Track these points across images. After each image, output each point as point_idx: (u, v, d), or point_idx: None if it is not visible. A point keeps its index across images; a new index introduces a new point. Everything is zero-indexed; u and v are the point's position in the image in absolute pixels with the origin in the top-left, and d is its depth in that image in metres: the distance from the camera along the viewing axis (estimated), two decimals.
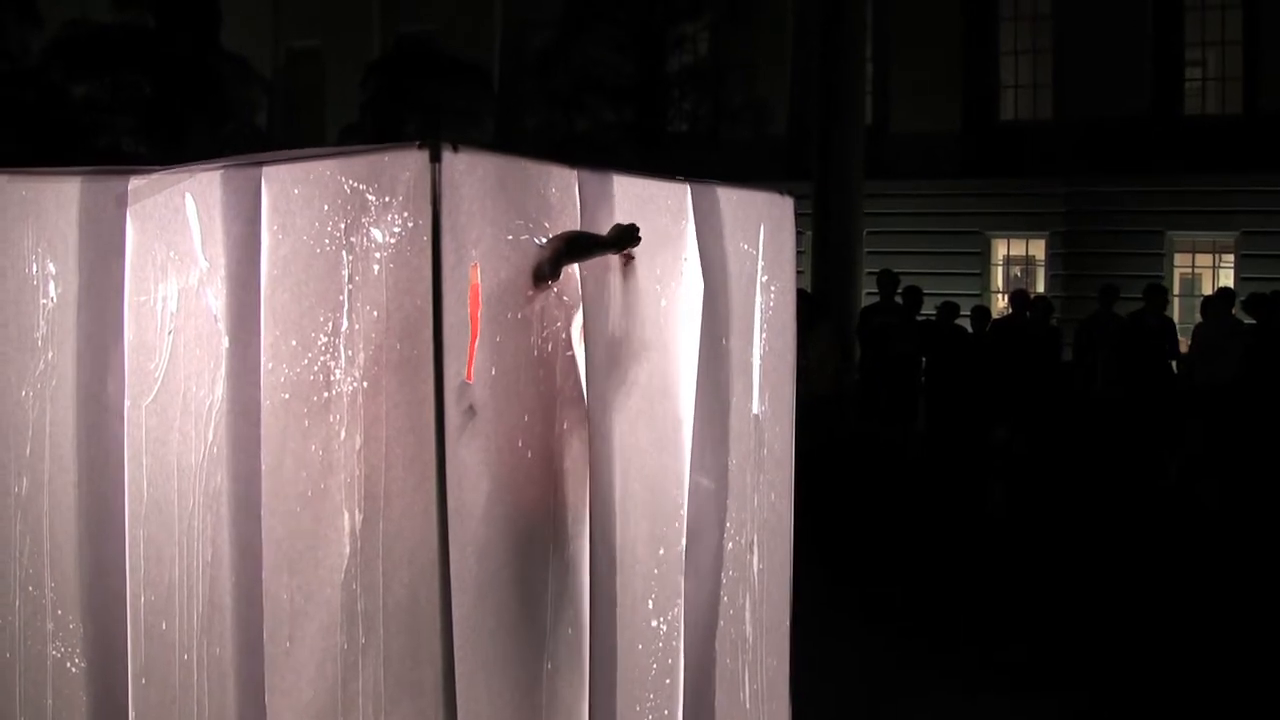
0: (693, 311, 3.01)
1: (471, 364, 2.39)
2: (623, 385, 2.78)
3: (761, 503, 3.25)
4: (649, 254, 2.87)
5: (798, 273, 3.62)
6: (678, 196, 3.00)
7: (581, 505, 2.65)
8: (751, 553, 3.20)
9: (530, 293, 2.52)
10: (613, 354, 2.73)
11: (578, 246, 2.60)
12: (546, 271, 2.54)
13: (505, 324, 2.48)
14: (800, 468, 3.41)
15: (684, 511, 2.98)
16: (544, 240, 2.54)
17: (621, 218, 2.77)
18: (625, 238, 2.68)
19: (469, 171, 2.36)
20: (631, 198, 2.83)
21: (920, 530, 7.12)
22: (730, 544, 3.11)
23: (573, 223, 2.66)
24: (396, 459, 2.35)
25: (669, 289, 2.96)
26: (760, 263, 3.31)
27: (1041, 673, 5.06)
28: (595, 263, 2.67)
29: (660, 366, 2.93)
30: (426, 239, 2.28)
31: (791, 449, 3.39)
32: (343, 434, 2.39)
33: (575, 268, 2.65)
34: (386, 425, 2.35)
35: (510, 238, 2.47)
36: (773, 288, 3.35)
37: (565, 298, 2.63)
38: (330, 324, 2.40)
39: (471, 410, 2.37)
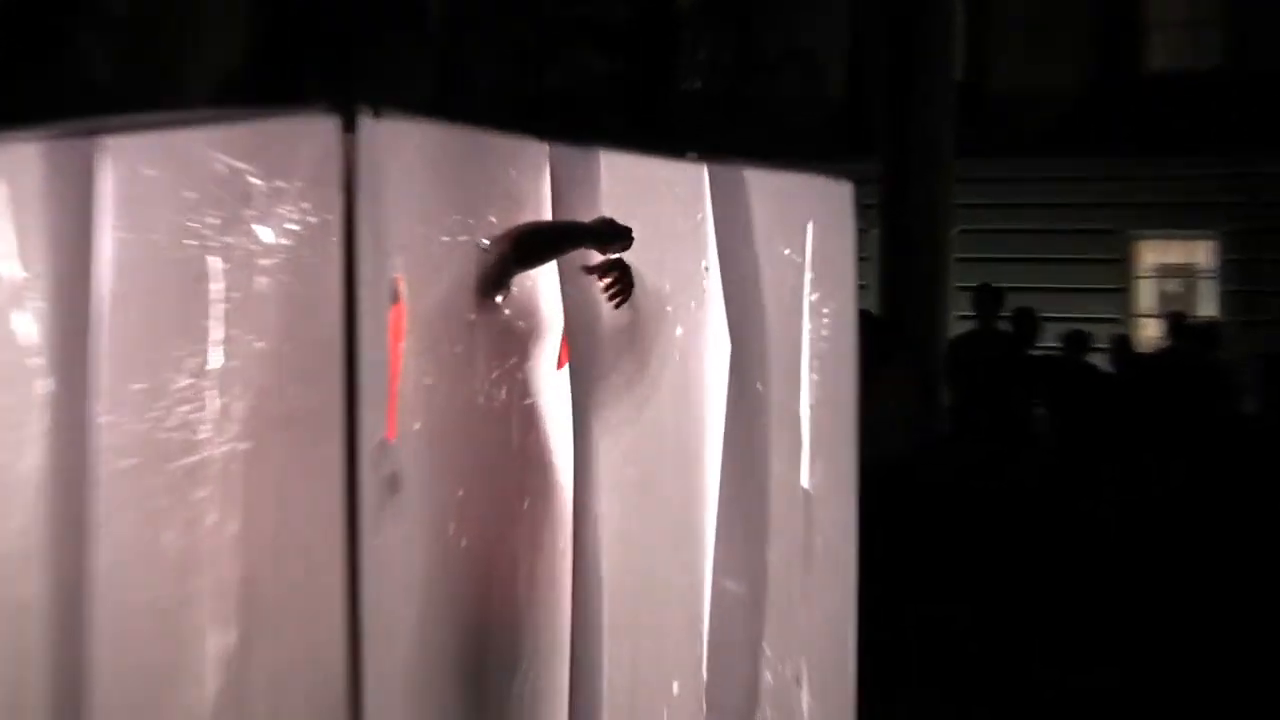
0: (715, 344, 3.04)
1: (394, 416, 2.40)
2: (615, 448, 2.78)
3: (813, 616, 3.26)
4: (653, 263, 2.88)
5: (859, 288, 3.67)
6: (691, 182, 3.02)
7: (556, 620, 2.65)
8: (799, 686, 3.21)
9: (472, 316, 2.54)
10: (601, 403, 2.74)
11: (536, 244, 2.61)
12: (492, 282, 2.56)
13: (441, 360, 2.49)
14: (866, 561, 3.44)
15: (703, 629, 2.98)
16: (491, 238, 2.57)
17: (611, 211, 2.78)
18: (610, 233, 2.69)
19: (396, 146, 2.37)
20: (625, 183, 2.85)
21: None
22: (769, 675, 3.12)
23: (540, 216, 2.69)
24: (289, 553, 2.35)
25: (682, 312, 2.98)
26: (808, 275, 3.33)
27: None
28: (576, 272, 2.69)
29: (669, 423, 2.95)
30: (336, 240, 2.29)
31: (854, 538, 3.41)
32: (211, 517, 2.39)
33: (543, 281, 2.66)
34: (275, 504, 2.36)
35: (447, 239, 2.50)
36: (825, 310, 3.38)
37: (522, 322, 2.65)
38: (195, 360, 2.41)
39: (395, 482, 2.37)
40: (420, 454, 2.45)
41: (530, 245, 2.60)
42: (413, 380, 2.44)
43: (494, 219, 2.59)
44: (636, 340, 2.86)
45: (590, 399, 2.72)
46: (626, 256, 2.79)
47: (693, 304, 3.03)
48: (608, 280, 2.72)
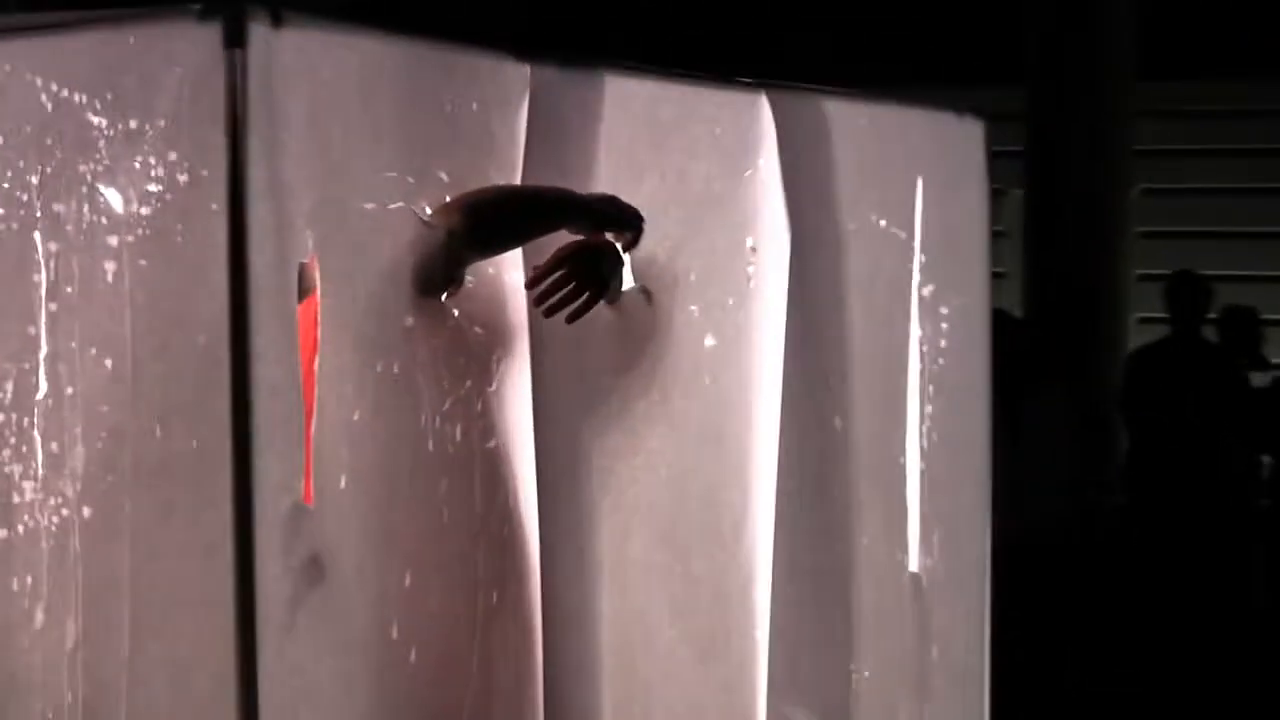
0: (766, 361, 3.04)
1: (309, 469, 2.42)
2: (614, 516, 2.81)
3: None
4: (669, 241, 2.90)
5: (994, 276, 3.68)
6: (742, 118, 3.03)
7: None
8: None
9: (409, 320, 2.55)
10: (589, 451, 2.78)
11: (502, 219, 2.62)
12: (437, 272, 2.57)
13: (372, 384, 2.51)
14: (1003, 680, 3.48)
15: None
16: (436, 207, 2.57)
17: (617, 165, 2.81)
18: (612, 216, 2.72)
19: (304, 66, 2.39)
20: (641, 122, 2.87)
21: None
22: None
23: (511, 173, 2.69)
24: (155, 675, 2.37)
25: (714, 314, 2.99)
26: (917, 258, 3.36)
27: None
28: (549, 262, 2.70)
29: (696, 477, 2.96)
30: (217, 208, 2.31)
31: (985, 646, 3.44)
32: (38, 617, 2.42)
33: (508, 272, 2.68)
34: (133, 601, 2.38)
35: (373, 206, 2.50)
36: (944, 310, 3.40)
37: (479, 329, 2.66)
38: (9, 385, 2.43)
39: (316, 566, 2.39)
40: (348, 524, 2.46)
41: (493, 221, 2.61)
42: (334, 414, 2.45)
43: (445, 175, 2.60)
44: (641, 356, 2.88)
45: (573, 444, 2.75)
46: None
47: (730, 301, 3.03)
48: (553, 279, 2.68)
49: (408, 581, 2.54)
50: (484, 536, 2.65)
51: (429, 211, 2.57)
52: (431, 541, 2.59)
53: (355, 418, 2.49)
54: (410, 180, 2.55)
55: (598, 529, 2.81)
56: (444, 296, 2.60)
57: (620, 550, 2.84)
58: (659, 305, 2.92)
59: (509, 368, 2.70)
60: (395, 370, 2.54)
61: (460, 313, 2.63)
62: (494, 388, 2.68)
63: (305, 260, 2.41)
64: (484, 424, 2.65)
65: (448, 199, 2.60)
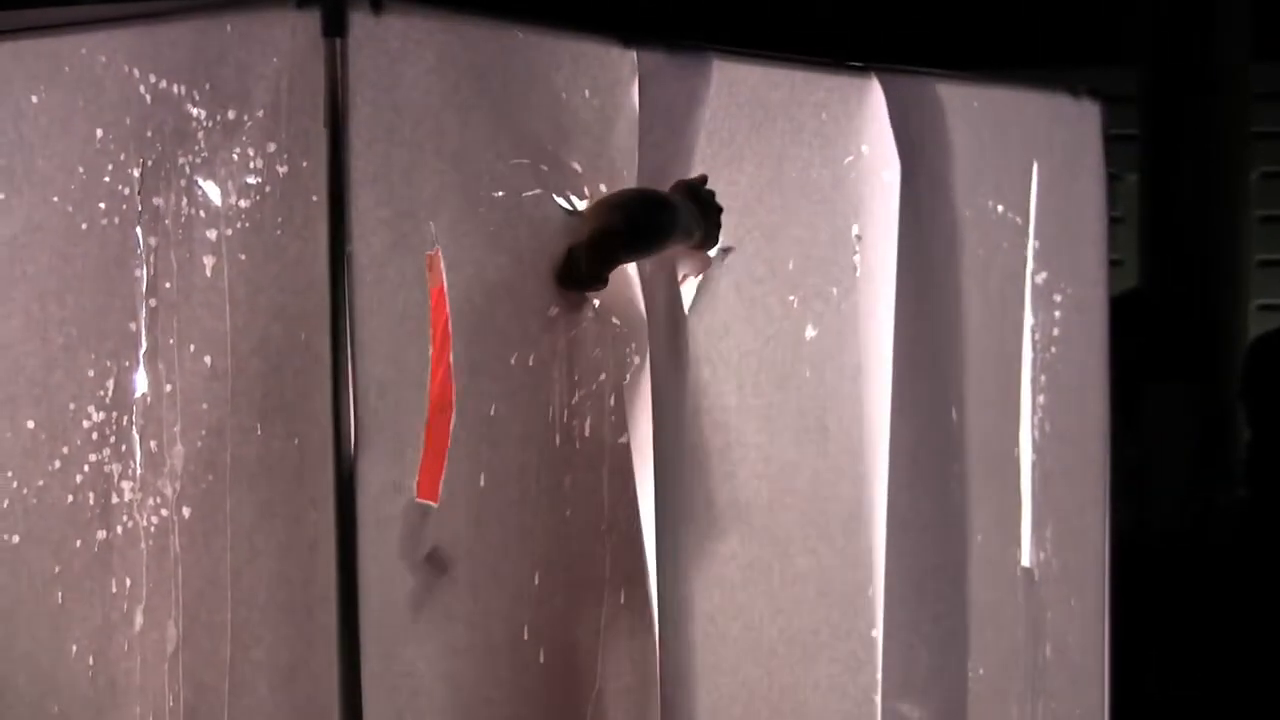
0: (873, 353, 3.03)
1: (435, 467, 2.42)
2: (710, 508, 2.80)
3: None
4: (769, 229, 2.89)
5: (1110, 264, 3.63)
6: (850, 103, 3.02)
7: None
8: None
9: (554, 309, 2.55)
10: (689, 443, 2.76)
11: (658, 221, 2.62)
12: (584, 268, 2.57)
13: (506, 377, 2.50)
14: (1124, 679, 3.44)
15: None
16: (579, 200, 2.58)
17: (716, 151, 2.79)
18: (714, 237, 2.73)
19: (407, 53, 2.38)
20: (744, 107, 2.85)
21: None
22: None
23: (630, 162, 2.69)
24: (260, 675, 2.37)
25: (816, 305, 2.98)
26: (1032, 244, 3.33)
27: None
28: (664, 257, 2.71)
29: (803, 472, 2.95)
30: (318, 199, 2.31)
31: (1104, 645, 3.44)
32: (137, 620, 2.42)
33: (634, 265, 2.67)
34: (234, 602, 2.38)
35: (503, 193, 2.50)
36: (1058, 298, 3.39)
37: (615, 319, 2.65)
38: (110, 383, 2.44)
39: (439, 562, 2.40)
40: (486, 520, 2.47)
41: (648, 225, 2.62)
42: (469, 404, 2.44)
43: (577, 165, 2.58)
44: (730, 347, 2.84)
45: (667, 438, 2.71)
46: (728, 220, 2.78)
47: (834, 291, 3.01)
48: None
49: (537, 581, 2.54)
50: (611, 534, 2.64)
51: (573, 204, 2.57)
52: (560, 540, 2.58)
53: (491, 411, 2.48)
54: (544, 168, 2.54)
55: (692, 525, 2.79)
56: (588, 293, 2.60)
57: (716, 547, 2.82)
58: (748, 295, 2.89)
59: (637, 359, 2.68)
60: (530, 363, 2.53)
61: (600, 304, 2.62)
62: (627, 381, 2.66)
63: (430, 252, 2.40)
64: (615, 418, 2.64)
65: (584, 193, 2.59)
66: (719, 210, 2.74)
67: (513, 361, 2.51)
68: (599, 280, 2.58)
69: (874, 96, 3.03)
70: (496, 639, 2.51)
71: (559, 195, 2.56)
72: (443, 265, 2.42)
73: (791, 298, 2.94)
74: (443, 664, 2.44)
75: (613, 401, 2.63)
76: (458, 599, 2.45)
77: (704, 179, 2.74)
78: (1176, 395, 8.13)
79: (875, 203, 3.04)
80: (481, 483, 2.47)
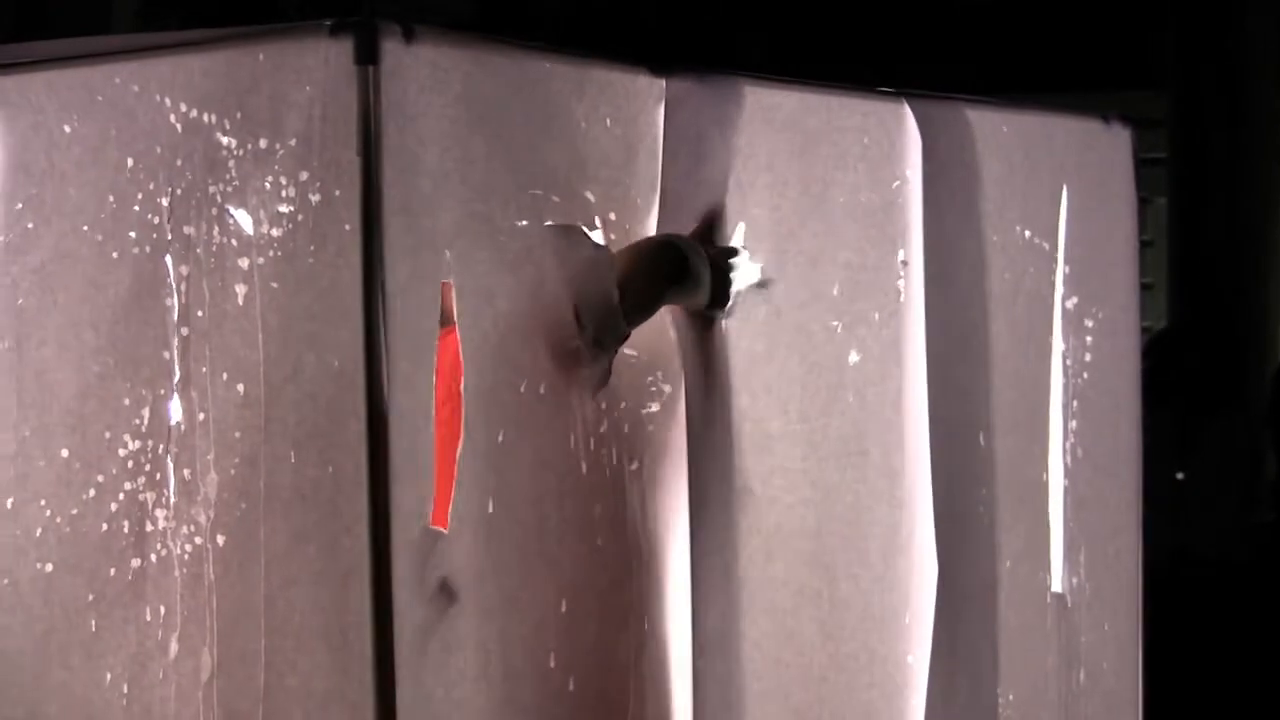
0: (912, 377, 3.03)
1: (445, 494, 2.42)
2: (755, 534, 2.79)
3: None
4: (813, 256, 2.89)
5: (1142, 288, 3.63)
6: (888, 127, 3.02)
7: None
8: None
9: (575, 342, 2.56)
10: (734, 469, 2.76)
11: (683, 275, 2.63)
12: (602, 319, 2.56)
13: (516, 406, 2.51)
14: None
15: None
16: (597, 236, 2.59)
17: (755, 178, 2.79)
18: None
19: (437, 82, 2.40)
20: (782, 133, 2.85)
21: None
22: None
23: (652, 193, 2.69)
24: (294, 703, 2.37)
25: (859, 330, 2.97)
26: (1061, 269, 3.33)
27: None
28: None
29: (842, 498, 2.94)
30: (350, 228, 2.32)
31: (1137, 673, 3.42)
32: (172, 648, 2.43)
33: None
34: (268, 630, 2.38)
35: (520, 223, 2.51)
36: (1089, 323, 3.38)
37: (631, 350, 2.67)
38: (145, 412, 2.45)
39: (447, 592, 2.40)
40: (497, 546, 2.46)
41: (666, 275, 2.65)
42: (479, 437, 2.45)
43: (590, 195, 2.59)
44: (774, 373, 2.85)
45: (710, 465, 2.72)
46: (769, 246, 2.79)
47: (877, 316, 3.01)
48: None
49: (562, 609, 2.54)
50: (638, 562, 2.65)
51: (593, 237, 2.57)
52: (585, 567, 2.58)
53: (500, 438, 2.48)
54: (555, 199, 2.54)
55: (738, 551, 2.79)
56: (610, 350, 2.60)
57: (763, 572, 2.82)
58: (791, 321, 2.88)
59: (667, 388, 2.69)
60: (542, 391, 2.53)
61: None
62: (648, 407, 2.68)
63: (443, 284, 2.41)
64: (640, 447, 2.65)
65: (595, 223, 2.60)
66: (732, 283, 2.75)
67: (522, 390, 2.52)
68: (623, 340, 2.61)
69: (911, 122, 3.03)
70: (526, 667, 2.51)
71: (574, 225, 2.57)
72: (454, 295, 2.43)
73: (835, 323, 2.94)
74: (475, 692, 2.44)
75: (630, 427, 2.65)
76: (490, 627, 2.45)
77: (735, 251, 2.74)
78: (1225, 429, 8.07)
79: (919, 228, 3.04)
80: (490, 508, 2.47)
